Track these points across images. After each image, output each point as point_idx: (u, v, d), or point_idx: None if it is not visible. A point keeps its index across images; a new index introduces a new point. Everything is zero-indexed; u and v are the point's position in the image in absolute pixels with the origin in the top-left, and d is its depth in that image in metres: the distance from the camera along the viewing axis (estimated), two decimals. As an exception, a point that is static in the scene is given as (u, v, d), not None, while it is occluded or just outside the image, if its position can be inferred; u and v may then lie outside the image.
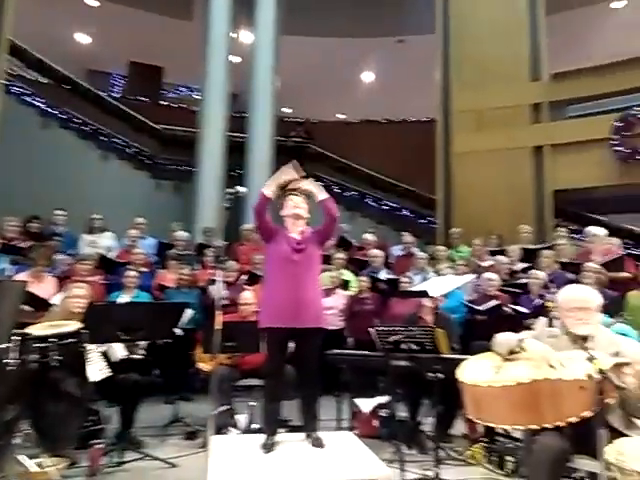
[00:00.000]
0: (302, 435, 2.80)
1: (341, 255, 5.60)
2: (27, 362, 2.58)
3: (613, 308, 3.77)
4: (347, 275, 5.56)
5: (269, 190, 2.84)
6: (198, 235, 7.04)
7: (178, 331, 3.95)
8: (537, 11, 8.27)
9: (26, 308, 3.75)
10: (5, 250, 4.97)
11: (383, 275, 5.51)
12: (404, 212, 10.39)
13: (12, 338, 2.57)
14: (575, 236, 6.63)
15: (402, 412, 3.78)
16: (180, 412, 4.05)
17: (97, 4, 12.30)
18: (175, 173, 9.65)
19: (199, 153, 8.57)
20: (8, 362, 2.51)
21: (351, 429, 3.79)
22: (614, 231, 6.13)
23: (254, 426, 3.37)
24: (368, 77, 14.73)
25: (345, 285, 5.41)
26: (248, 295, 4.12)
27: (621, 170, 7.41)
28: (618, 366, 1.98)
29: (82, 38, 13.82)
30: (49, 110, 8.39)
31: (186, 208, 8.51)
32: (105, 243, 5.80)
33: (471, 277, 4.62)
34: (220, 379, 3.33)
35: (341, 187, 10.01)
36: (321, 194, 2.87)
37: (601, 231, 5.25)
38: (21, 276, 4.44)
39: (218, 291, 3.15)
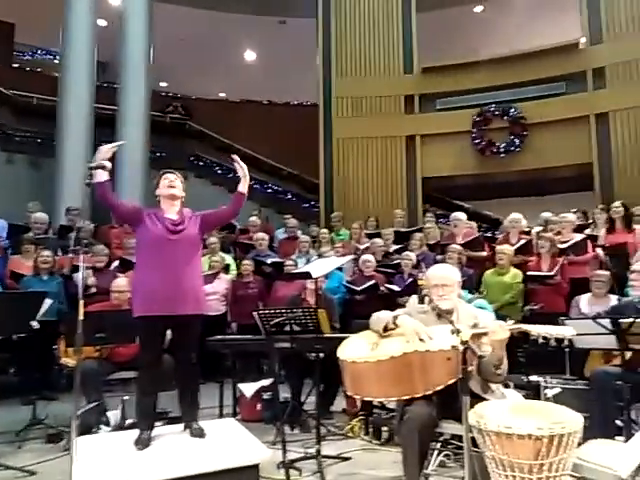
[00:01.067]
0: (181, 426, 2.68)
1: (214, 239, 5.42)
2: None
3: (470, 284, 4.22)
4: (227, 259, 5.43)
5: (97, 177, 2.49)
6: (60, 216, 6.34)
7: (35, 324, 3.52)
8: (410, 8, 8.76)
9: None
10: None
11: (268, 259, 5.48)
12: (288, 195, 10.46)
13: None
14: (441, 220, 7.27)
15: (285, 393, 3.83)
16: (41, 413, 3.64)
17: None
18: (31, 146, 8.57)
19: (60, 125, 7.66)
20: None
21: (234, 415, 3.75)
22: (473, 216, 6.85)
23: (128, 422, 3.15)
24: (250, 56, 14.39)
25: (226, 269, 5.28)
26: (122, 282, 3.83)
27: (478, 160, 8.27)
28: (477, 336, 2.20)
29: None
30: None
31: (45, 186, 7.59)
32: (-61, 225, 4.95)
33: (349, 258, 4.79)
34: (87, 374, 3.03)
35: (222, 168, 9.71)
36: (245, 186, 2.76)
37: (462, 216, 5.81)
38: None
39: (83, 278, 2.85)
